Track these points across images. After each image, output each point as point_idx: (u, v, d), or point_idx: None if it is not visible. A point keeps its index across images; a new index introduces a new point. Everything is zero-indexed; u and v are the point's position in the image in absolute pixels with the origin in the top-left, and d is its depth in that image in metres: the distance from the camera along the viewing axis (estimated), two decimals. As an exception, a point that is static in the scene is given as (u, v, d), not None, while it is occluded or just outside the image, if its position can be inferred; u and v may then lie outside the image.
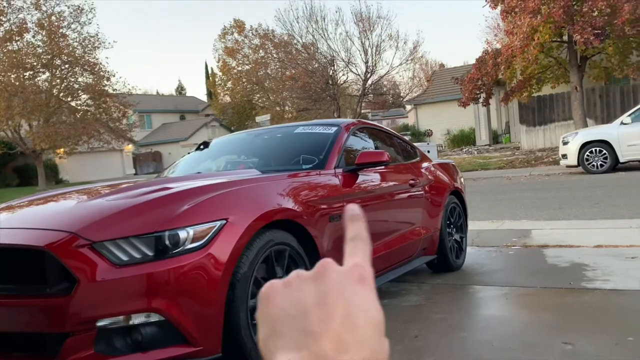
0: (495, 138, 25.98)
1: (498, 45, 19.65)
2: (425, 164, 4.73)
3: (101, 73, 25.82)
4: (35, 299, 2.21)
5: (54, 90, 24.84)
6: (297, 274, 0.42)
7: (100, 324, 2.16)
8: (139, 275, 2.19)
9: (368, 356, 0.37)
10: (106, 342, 2.19)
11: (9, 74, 23.51)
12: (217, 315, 2.30)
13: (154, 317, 2.19)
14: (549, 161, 15.50)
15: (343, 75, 28.27)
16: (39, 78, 24.89)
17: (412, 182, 4.22)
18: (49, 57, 24.23)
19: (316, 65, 27.54)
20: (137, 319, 2.19)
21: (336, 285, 0.40)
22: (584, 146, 11.88)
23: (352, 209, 0.46)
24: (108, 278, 2.16)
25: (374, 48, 26.72)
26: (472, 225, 6.02)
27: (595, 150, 11.76)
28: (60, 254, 2.17)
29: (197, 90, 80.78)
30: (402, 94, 34.28)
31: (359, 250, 0.43)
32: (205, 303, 2.28)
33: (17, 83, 23.30)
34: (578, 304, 3.35)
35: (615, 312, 3.13)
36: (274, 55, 32.96)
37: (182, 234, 2.29)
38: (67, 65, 25.00)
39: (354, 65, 27.67)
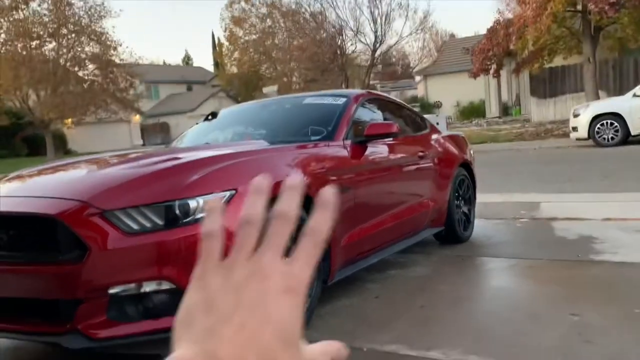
0: (505, 110, 25.71)
1: (510, 15, 19.27)
2: (434, 136, 4.70)
3: (108, 42, 25.68)
4: (48, 266, 2.24)
5: (61, 60, 24.77)
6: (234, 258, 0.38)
7: (112, 291, 2.20)
8: (149, 243, 2.21)
9: None
10: (118, 309, 2.23)
11: (15, 43, 23.43)
12: (226, 283, 2.32)
13: (165, 285, 2.22)
14: (559, 134, 15.36)
15: (352, 45, 28.00)
16: (45, 47, 24.82)
17: (421, 154, 4.20)
18: (55, 26, 24.11)
19: (324, 35, 27.24)
20: (148, 287, 2.22)
21: (257, 291, 0.36)
22: (595, 119, 11.74)
23: (327, 194, 0.40)
24: (119, 246, 2.18)
25: (384, 17, 26.38)
26: (481, 198, 6.00)
27: (607, 122, 11.61)
28: (72, 222, 2.19)
29: (204, 60, 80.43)
30: (411, 65, 33.91)
31: (305, 251, 0.38)
32: (215, 272, 2.30)
33: (24, 52, 23.23)
34: (586, 276, 3.35)
35: (624, 285, 3.13)
36: (282, 25, 32.54)
37: (192, 204, 2.30)
38: (73, 35, 24.87)
39: (362, 35, 27.39)
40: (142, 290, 2.22)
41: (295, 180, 0.41)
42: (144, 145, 35.64)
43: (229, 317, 0.36)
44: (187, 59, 60.14)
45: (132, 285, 2.21)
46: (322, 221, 0.39)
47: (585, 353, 2.28)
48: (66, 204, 2.26)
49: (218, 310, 0.36)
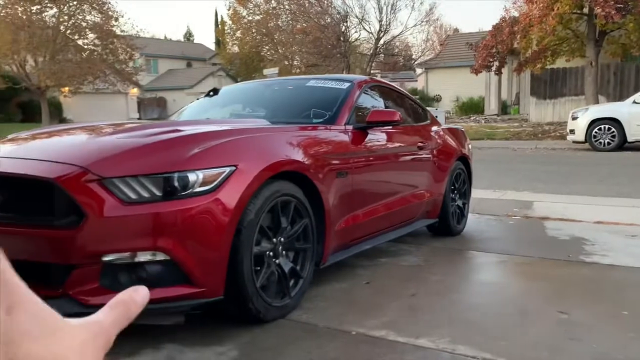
0: (504, 108, 25.73)
1: (516, 14, 19.20)
2: (434, 128, 4.70)
3: (109, 12, 25.35)
4: (43, 230, 2.23)
5: (61, 27, 24.42)
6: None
7: (106, 259, 2.19)
8: (146, 214, 2.20)
9: None
10: (111, 277, 2.22)
11: (15, 6, 23.08)
12: (221, 259, 2.33)
13: (160, 256, 2.21)
14: (555, 135, 15.40)
15: (355, 32, 27.82)
16: (46, 13, 24.43)
17: (420, 144, 4.20)
18: (57, -9, 23.72)
19: (329, 20, 27.02)
20: (142, 257, 2.21)
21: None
22: (593, 123, 11.78)
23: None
24: (116, 215, 2.17)
25: (390, 7, 26.19)
26: (475, 193, 6.02)
27: (604, 127, 11.66)
28: (70, 187, 2.17)
29: (206, 38, 79.57)
30: (413, 57, 33.76)
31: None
32: (211, 246, 2.30)
33: (24, 17, 22.89)
34: (575, 276, 3.38)
35: (612, 287, 3.16)
36: (286, 7, 32.18)
37: (192, 177, 2.29)
38: (75, 2, 24.50)
39: (367, 23, 27.36)
40: (136, 260, 2.21)
41: None
42: (140, 119, 35.37)
43: None
44: (188, 35, 59.56)
45: (127, 254, 2.20)
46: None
47: (571, 350, 2.30)
48: (65, 168, 2.24)
49: None
